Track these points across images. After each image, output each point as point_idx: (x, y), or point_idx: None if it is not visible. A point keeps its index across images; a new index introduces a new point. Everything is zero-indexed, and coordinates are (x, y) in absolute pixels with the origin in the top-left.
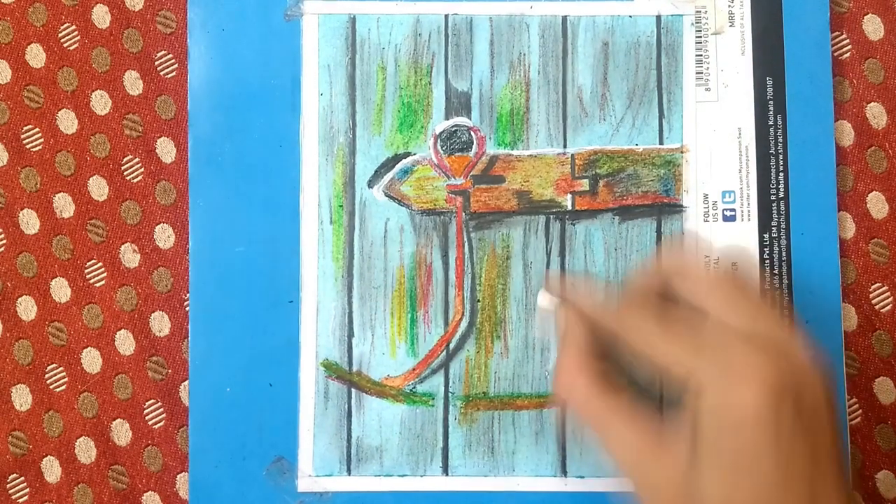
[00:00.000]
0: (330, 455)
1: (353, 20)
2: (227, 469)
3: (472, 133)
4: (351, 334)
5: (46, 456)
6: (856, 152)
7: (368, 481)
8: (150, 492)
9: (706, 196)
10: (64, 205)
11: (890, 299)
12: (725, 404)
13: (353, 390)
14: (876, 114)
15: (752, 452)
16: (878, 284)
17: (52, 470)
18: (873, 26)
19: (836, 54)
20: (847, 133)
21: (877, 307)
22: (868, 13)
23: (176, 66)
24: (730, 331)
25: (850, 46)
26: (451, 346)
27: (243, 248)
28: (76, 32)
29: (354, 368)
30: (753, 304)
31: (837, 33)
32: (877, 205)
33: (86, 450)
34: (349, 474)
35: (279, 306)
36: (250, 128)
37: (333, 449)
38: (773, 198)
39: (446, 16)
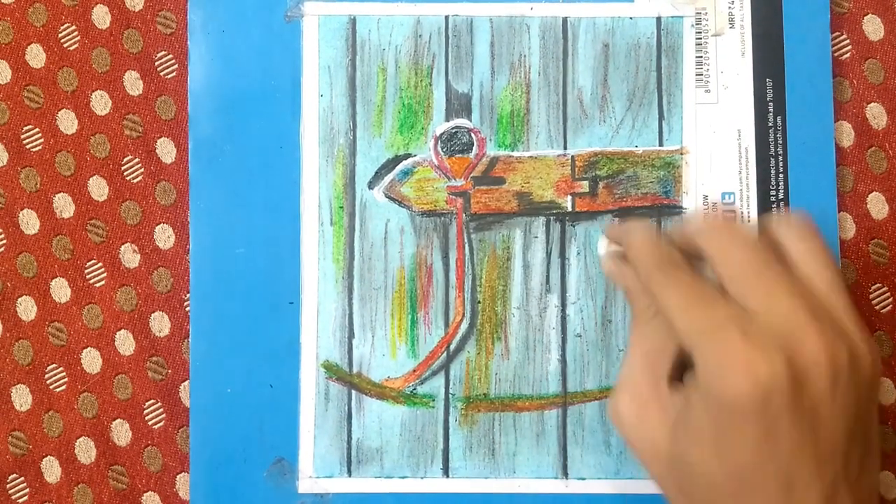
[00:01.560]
0: (330, 456)
1: (353, 21)
2: (227, 470)
3: (473, 134)
4: (351, 336)
5: (46, 456)
6: (856, 153)
7: (369, 483)
8: (149, 492)
9: (706, 197)
10: (64, 205)
11: (890, 300)
12: (718, 389)
13: (354, 392)
14: (876, 114)
15: (734, 439)
16: (878, 285)
17: (51, 470)
18: (873, 26)
19: (836, 55)
20: (847, 133)
21: (877, 308)
22: (868, 13)
23: (176, 66)
24: (736, 317)
25: (850, 47)
26: (452, 347)
27: (244, 249)
28: (76, 33)
29: (355, 370)
30: (774, 284)
31: (837, 34)
32: (877, 205)
33: (86, 450)
34: (349, 476)
35: (280, 308)
36: (250, 129)
37: (334, 450)
38: (772, 199)
39: (447, 17)
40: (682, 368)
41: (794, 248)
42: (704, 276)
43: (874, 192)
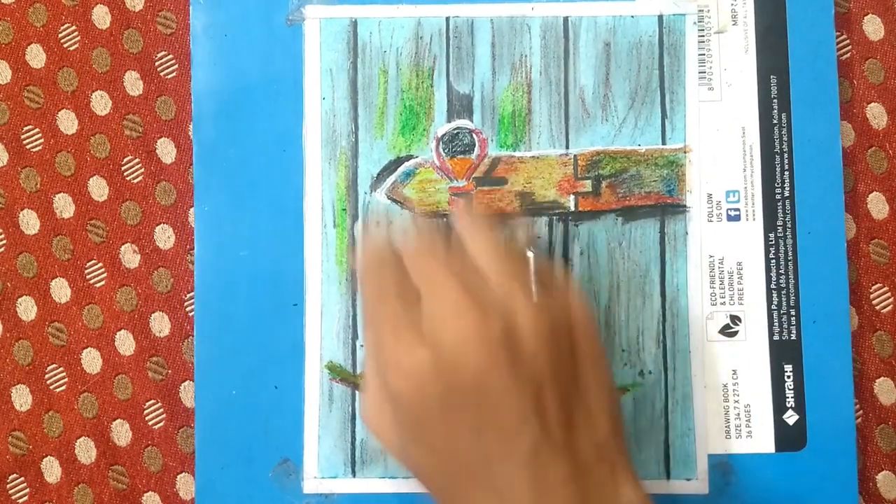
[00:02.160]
0: (335, 457)
1: (354, 24)
2: (232, 471)
3: (474, 135)
4: (355, 337)
5: (46, 456)
6: (856, 153)
7: (373, 483)
8: (150, 492)
9: (710, 196)
10: (64, 205)
11: (890, 300)
12: (390, 384)
13: (358, 393)
14: (876, 114)
15: (415, 428)
16: (878, 285)
17: (52, 470)
18: (874, 27)
19: (836, 55)
20: (847, 133)
21: (877, 308)
22: (868, 13)
23: (176, 66)
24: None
25: (850, 47)
26: None
27: (247, 252)
28: (76, 33)
29: (359, 371)
30: (438, 274)
31: (838, 34)
32: (877, 205)
33: (86, 450)
34: (354, 476)
35: (284, 309)
36: (253, 133)
37: (338, 451)
38: (778, 197)
39: (447, 18)
40: None
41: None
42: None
43: (874, 192)
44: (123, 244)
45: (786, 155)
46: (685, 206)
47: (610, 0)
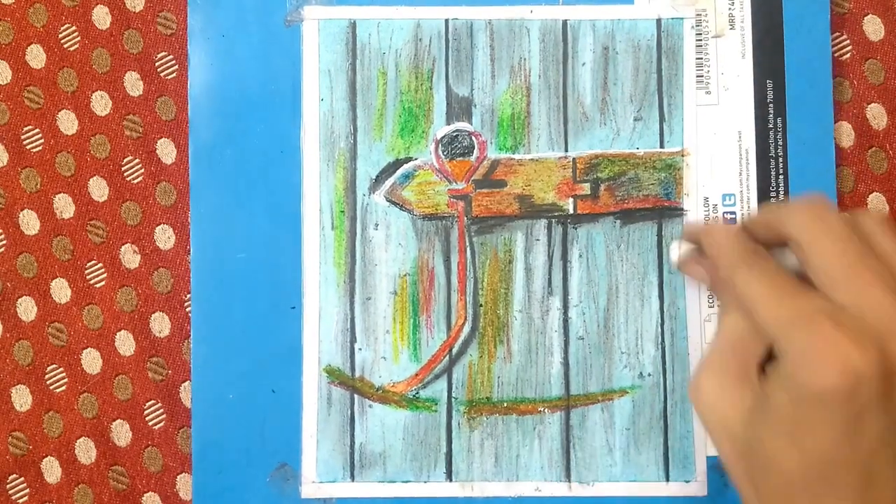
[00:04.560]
0: (333, 461)
1: (353, 25)
2: (230, 475)
3: (473, 138)
4: (353, 340)
5: (46, 456)
6: (856, 153)
7: (372, 487)
8: (150, 492)
9: (707, 199)
10: (64, 205)
11: None
12: (804, 377)
13: (356, 396)
14: (876, 114)
15: (816, 430)
16: None
17: (52, 470)
18: (874, 27)
19: (836, 55)
20: (847, 134)
21: None
22: (868, 14)
23: (176, 67)
24: (826, 308)
25: (850, 47)
26: (454, 351)
27: (245, 254)
28: (76, 33)
29: (357, 374)
30: (867, 277)
31: (838, 34)
32: (878, 206)
33: (86, 450)
34: (353, 480)
35: (281, 312)
36: (251, 134)
37: (337, 455)
38: (773, 200)
39: (446, 20)
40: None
41: (885, 243)
42: (785, 266)
43: (875, 193)
44: (123, 244)
45: (780, 159)
46: (682, 209)
47: (608, 4)
